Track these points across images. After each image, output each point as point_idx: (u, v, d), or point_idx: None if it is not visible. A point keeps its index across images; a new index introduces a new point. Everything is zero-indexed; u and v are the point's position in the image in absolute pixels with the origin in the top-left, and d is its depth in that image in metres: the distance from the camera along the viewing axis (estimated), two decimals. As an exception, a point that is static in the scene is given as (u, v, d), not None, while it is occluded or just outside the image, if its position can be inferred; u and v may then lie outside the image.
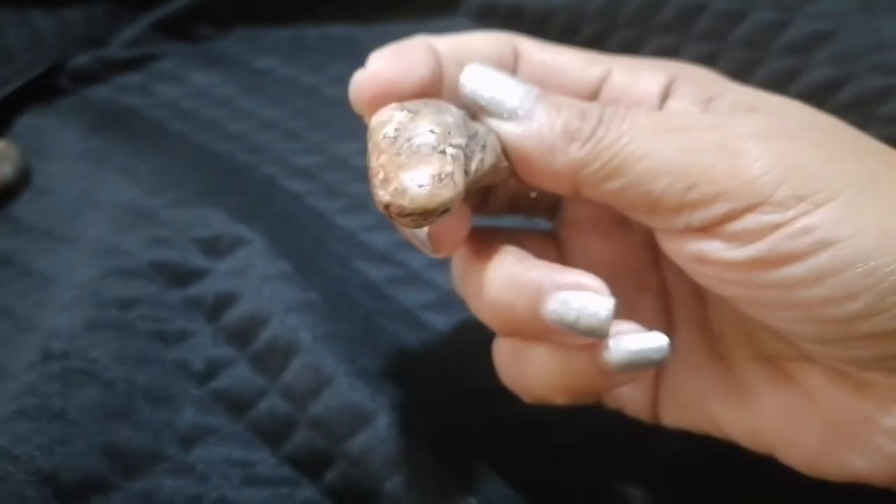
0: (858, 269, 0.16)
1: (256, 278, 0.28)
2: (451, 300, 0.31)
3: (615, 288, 0.18)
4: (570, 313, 0.17)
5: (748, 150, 0.16)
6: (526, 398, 0.20)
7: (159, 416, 0.26)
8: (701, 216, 0.17)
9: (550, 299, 0.17)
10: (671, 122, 0.17)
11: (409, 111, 0.17)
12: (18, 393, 0.25)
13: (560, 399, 0.19)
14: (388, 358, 0.26)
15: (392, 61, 0.19)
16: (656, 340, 0.18)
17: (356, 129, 0.41)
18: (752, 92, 0.20)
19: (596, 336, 0.17)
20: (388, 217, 0.16)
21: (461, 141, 0.17)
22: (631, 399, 0.21)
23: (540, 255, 0.19)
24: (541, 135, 0.18)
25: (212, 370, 0.27)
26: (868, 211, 0.16)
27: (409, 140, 0.17)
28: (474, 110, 0.19)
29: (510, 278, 0.18)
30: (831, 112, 0.19)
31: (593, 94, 0.21)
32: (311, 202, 0.36)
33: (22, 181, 0.38)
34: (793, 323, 0.17)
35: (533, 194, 0.22)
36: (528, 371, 0.19)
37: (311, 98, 0.44)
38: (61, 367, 0.26)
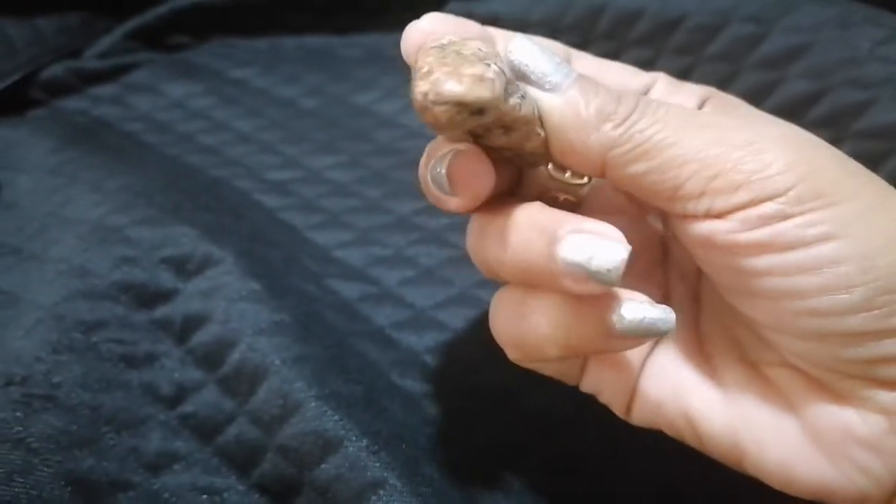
0: (857, 264, 0.17)
1: (226, 299, 0.28)
2: (423, 319, 0.30)
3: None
4: (584, 253, 0.17)
5: (774, 149, 0.17)
6: (513, 353, 0.20)
7: (124, 443, 0.26)
8: (721, 203, 0.17)
9: (567, 239, 0.18)
10: (704, 119, 0.18)
11: (461, 38, 0.18)
12: (-23, 421, 0.24)
13: (552, 352, 0.19)
14: (359, 382, 0.26)
15: (447, 22, 0.19)
16: (666, 312, 0.19)
17: (332, 143, 0.41)
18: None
19: (606, 282, 0.17)
20: (421, 114, 0.17)
21: (506, 68, 0.18)
22: (610, 386, 0.21)
23: None
24: (577, 110, 0.18)
25: (179, 394, 0.27)
26: (877, 218, 0.17)
27: (457, 52, 0.17)
28: (517, 78, 0.19)
29: (530, 221, 0.19)
30: (807, 127, 0.20)
31: None
32: (285, 217, 0.36)
33: (-9, 195, 0.37)
34: (787, 315, 0.18)
35: (561, 197, 0.23)
36: (528, 321, 0.19)
37: (286, 110, 0.43)
38: (22, 392, 0.25)
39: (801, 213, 0.17)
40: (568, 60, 0.22)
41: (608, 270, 0.17)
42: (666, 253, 0.23)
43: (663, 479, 0.24)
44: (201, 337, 0.27)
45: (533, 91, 0.19)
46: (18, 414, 0.25)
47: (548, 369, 0.22)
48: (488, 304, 0.30)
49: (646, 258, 0.23)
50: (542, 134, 0.19)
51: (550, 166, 0.22)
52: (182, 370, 0.27)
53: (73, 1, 0.50)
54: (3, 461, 0.23)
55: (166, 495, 0.25)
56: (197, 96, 0.45)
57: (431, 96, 0.16)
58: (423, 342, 0.29)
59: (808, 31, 0.35)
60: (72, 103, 0.45)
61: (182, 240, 0.30)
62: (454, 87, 0.16)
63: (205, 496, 0.25)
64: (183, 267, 0.29)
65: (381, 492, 0.22)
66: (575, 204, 0.24)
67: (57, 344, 0.27)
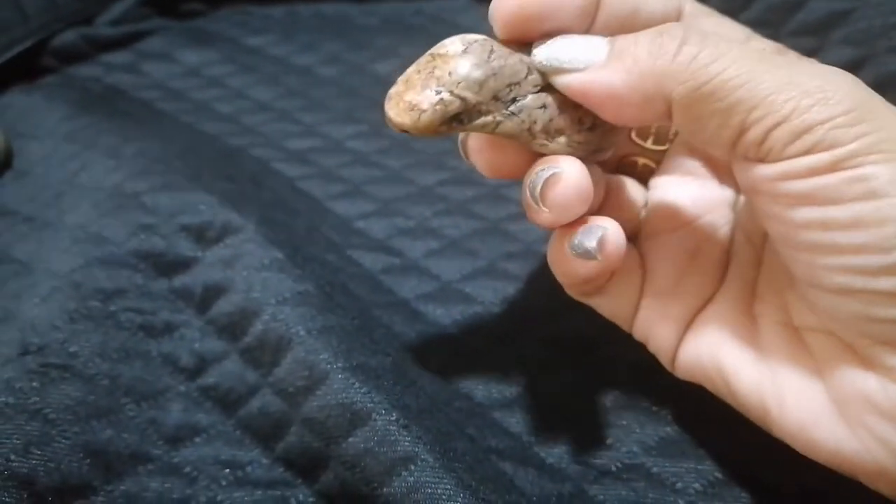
0: None
1: (247, 268, 0.27)
2: (449, 291, 0.29)
3: (688, 231, 0.22)
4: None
5: (845, 101, 0.17)
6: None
7: (144, 414, 0.25)
8: (778, 149, 0.17)
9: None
10: (773, 58, 0.18)
11: (466, 45, 0.19)
12: (-7, 390, 0.23)
13: (572, 289, 0.22)
14: (386, 353, 0.25)
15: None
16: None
17: (351, 112, 0.40)
18: None
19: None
20: None
21: (468, 95, 0.19)
22: (657, 334, 0.22)
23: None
24: (624, 66, 0.18)
25: (200, 365, 0.26)
26: None
27: (432, 69, 0.19)
28: (548, 78, 0.19)
29: None
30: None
31: None
32: (305, 187, 0.35)
33: (4, 163, 0.36)
34: (820, 269, 0.18)
35: (640, 162, 0.24)
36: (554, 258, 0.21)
37: (304, 78, 0.42)
38: (39, 362, 0.25)
39: (852, 168, 0.16)
40: (680, 14, 0.21)
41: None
42: (736, 215, 0.23)
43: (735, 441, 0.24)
44: (222, 307, 0.27)
45: (566, 81, 0.19)
46: (35, 384, 0.24)
47: (604, 308, 0.23)
48: (517, 276, 0.30)
49: (717, 215, 0.23)
50: (549, 144, 0.20)
51: (633, 132, 0.23)
52: (202, 341, 0.26)
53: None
54: (20, 432, 0.22)
55: (187, 469, 0.24)
56: (212, 64, 0.44)
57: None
58: (449, 315, 0.28)
59: (851, -4, 0.34)
60: (84, 70, 0.44)
61: (201, 207, 0.29)
62: (389, 110, 0.19)
63: (227, 470, 0.24)
64: (203, 235, 0.28)
65: (413, 467, 0.21)
66: (652, 170, 0.24)
67: (74, 312, 0.26)
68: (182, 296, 0.27)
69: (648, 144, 0.23)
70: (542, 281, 0.29)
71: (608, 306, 0.23)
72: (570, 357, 0.26)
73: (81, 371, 0.25)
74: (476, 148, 0.21)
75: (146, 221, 0.29)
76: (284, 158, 0.36)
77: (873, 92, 0.19)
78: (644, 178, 0.25)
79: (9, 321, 0.26)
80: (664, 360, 0.22)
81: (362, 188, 0.35)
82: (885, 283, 0.17)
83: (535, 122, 0.19)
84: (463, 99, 0.19)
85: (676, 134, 0.24)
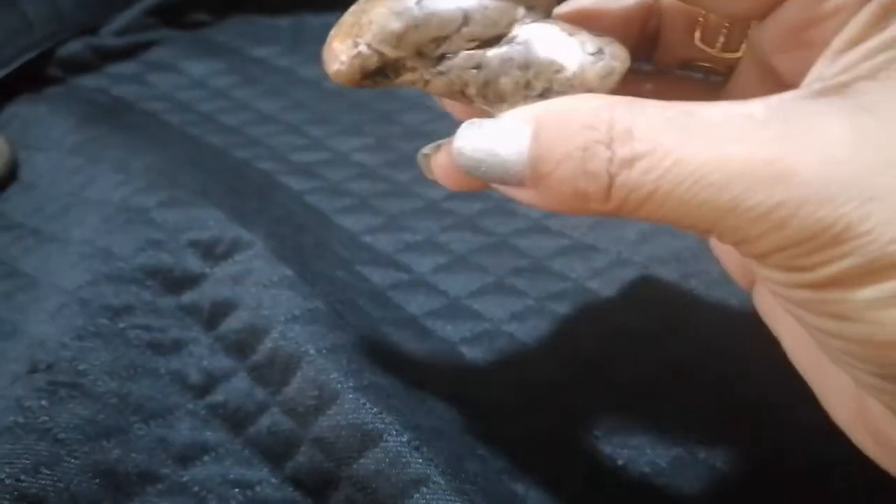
0: None
1: (256, 284, 0.27)
2: (459, 307, 0.29)
3: None
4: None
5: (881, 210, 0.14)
6: None
7: (153, 433, 0.25)
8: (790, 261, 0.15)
9: None
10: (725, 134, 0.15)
11: None
12: (2, 409, 0.23)
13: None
14: (397, 373, 0.25)
15: None
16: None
17: (359, 125, 0.40)
18: None
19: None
20: None
21: (386, 50, 0.17)
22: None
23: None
24: (548, 192, 0.16)
25: (209, 383, 0.26)
26: None
27: (362, 13, 0.17)
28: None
29: None
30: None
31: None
32: (312, 201, 0.35)
33: (9, 175, 0.36)
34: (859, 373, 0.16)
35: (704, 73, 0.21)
36: None
37: (310, 90, 0.42)
38: (48, 380, 0.24)
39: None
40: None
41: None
42: None
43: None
44: (231, 324, 0.26)
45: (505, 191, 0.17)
46: (44, 402, 0.24)
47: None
48: (526, 293, 0.30)
49: None
50: (491, 111, 0.17)
51: (698, 35, 0.20)
52: (211, 358, 0.26)
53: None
54: (30, 452, 0.22)
55: (196, 488, 0.24)
56: (219, 75, 0.44)
57: None
58: (458, 332, 0.28)
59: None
60: (90, 81, 0.44)
61: (209, 222, 0.29)
62: (323, 54, 0.18)
63: (236, 489, 0.24)
64: (211, 251, 0.28)
65: (424, 489, 0.21)
66: (719, 83, 0.21)
67: (82, 330, 0.26)
68: (190, 312, 0.27)
69: (716, 52, 0.19)
70: (552, 298, 0.29)
71: None
72: (581, 376, 0.26)
73: (90, 389, 0.25)
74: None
75: (154, 237, 0.28)
76: (291, 171, 0.36)
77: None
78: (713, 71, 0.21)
79: (17, 336, 0.26)
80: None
81: (369, 202, 0.35)
82: None
83: (466, 85, 0.17)
84: (380, 53, 0.17)
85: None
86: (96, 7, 0.47)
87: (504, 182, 0.16)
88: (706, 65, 0.21)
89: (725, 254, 0.22)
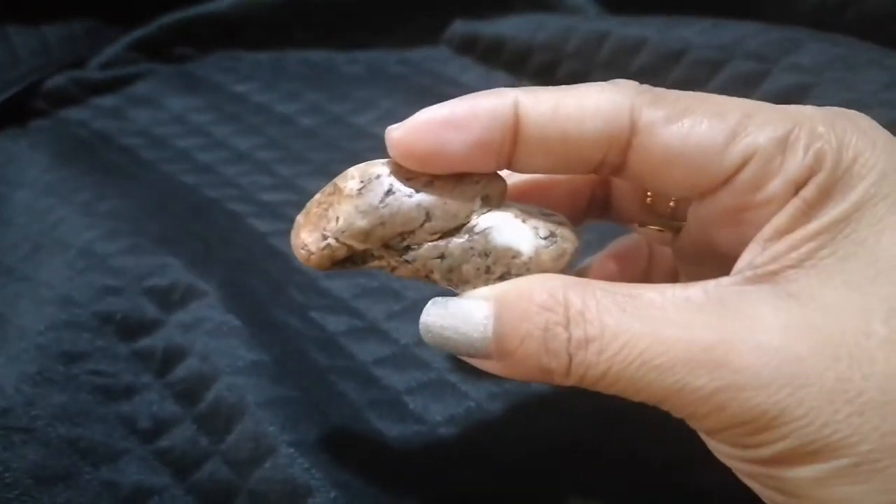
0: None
1: (206, 333, 0.28)
2: (407, 355, 0.30)
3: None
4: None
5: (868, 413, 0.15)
6: None
7: (100, 477, 0.26)
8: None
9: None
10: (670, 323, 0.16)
11: (364, 182, 0.19)
12: (-45, 454, 0.25)
13: None
14: (334, 426, 0.26)
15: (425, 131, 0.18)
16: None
17: (327, 165, 0.41)
18: None
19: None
20: None
21: (354, 244, 0.18)
22: None
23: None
24: (513, 365, 0.17)
25: (158, 428, 0.27)
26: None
27: (328, 207, 0.19)
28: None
29: None
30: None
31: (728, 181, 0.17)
32: (275, 243, 0.36)
33: (-11, 210, 0.37)
34: None
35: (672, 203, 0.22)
36: None
37: (285, 128, 0.43)
38: (3, 424, 0.26)
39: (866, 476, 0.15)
40: (634, 129, 0.17)
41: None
42: None
43: None
44: (181, 371, 0.28)
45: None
46: (-3, 447, 0.25)
47: None
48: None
49: None
50: (455, 291, 0.19)
51: (648, 198, 0.21)
52: (161, 404, 0.27)
53: (81, 8, 0.50)
54: (-23, 498, 0.24)
55: (140, 532, 0.25)
56: (197, 111, 0.45)
57: None
58: (403, 381, 0.29)
59: (811, 71, 0.35)
60: (74, 114, 0.45)
61: (168, 270, 0.30)
62: (291, 240, 0.20)
63: (177, 534, 0.25)
64: (167, 298, 0.29)
65: (347, 545, 0.22)
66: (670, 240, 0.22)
67: (37, 375, 0.27)
68: (144, 359, 0.28)
69: (665, 220, 0.21)
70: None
71: None
72: (522, 445, 0.27)
73: (42, 435, 0.26)
74: None
75: (113, 284, 0.30)
76: (258, 213, 0.37)
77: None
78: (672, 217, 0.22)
79: (-23, 378, 0.28)
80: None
81: (331, 245, 0.36)
82: None
83: (431, 272, 0.19)
84: (349, 246, 0.19)
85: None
86: (83, 40, 0.49)
87: (471, 356, 0.18)
88: (656, 228, 0.22)
89: None
